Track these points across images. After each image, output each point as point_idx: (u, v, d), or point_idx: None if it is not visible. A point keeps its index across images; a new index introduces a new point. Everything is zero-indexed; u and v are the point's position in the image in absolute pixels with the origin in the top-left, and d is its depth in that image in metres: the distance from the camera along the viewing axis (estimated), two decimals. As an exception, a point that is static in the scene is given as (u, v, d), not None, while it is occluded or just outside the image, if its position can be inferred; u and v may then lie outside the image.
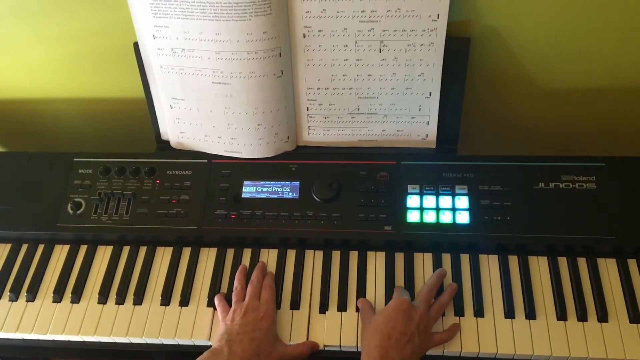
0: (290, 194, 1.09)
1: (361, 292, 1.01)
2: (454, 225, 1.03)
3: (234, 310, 0.98)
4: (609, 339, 0.94)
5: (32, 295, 1.05)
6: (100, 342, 1.02)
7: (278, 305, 1.01)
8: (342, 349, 0.97)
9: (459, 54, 1.04)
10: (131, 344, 1.01)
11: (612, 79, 1.14)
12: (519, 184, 1.05)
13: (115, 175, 1.13)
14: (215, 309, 1.01)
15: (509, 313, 0.97)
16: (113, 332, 1.00)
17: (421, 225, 1.04)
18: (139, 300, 1.03)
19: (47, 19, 1.11)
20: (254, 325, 0.94)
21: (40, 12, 1.10)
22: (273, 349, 0.94)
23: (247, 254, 1.08)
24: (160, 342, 1.00)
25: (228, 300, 1.01)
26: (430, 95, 1.08)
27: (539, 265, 1.02)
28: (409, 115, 1.11)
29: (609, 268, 1.01)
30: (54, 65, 1.21)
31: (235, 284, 1.02)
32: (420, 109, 1.10)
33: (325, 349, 0.98)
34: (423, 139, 1.14)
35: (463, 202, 1.05)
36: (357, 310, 0.99)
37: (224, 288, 1.04)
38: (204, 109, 1.11)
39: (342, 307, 1.00)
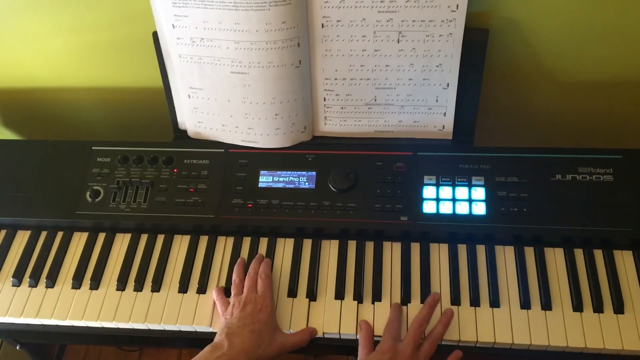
0: (306, 184, 1.09)
1: (377, 282, 1.01)
2: (470, 216, 1.03)
3: (233, 304, 0.98)
4: (624, 330, 0.94)
5: (51, 282, 1.06)
6: (118, 328, 1.03)
7: (294, 294, 1.02)
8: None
9: (477, 45, 1.03)
10: (149, 330, 1.03)
11: (630, 71, 1.13)
12: (535, 176, 1.05)
13: (133, 164, 1.14)
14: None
15: (525, 304, 0.97)
16: (131, 319, 1.01)
17: (437, 216, 1.04)
18: (157, 287, 1.04)
19: (67, 9, 1.12)
20: (253, 317, 0.95)
21: (60, 2, 1.10)
22: (273, 339, 0.95)
23: (263, 243, 1.08)
24: (178, 329, 1.02)
25: (229, 291, 1.02)
26: (448, 86, 1.08)
27: (555, 257, 1.02)
28: (426, 107, 1.11)
29: (625, 260, 1.01)
30: (73, 55, 1.22)
31: (234, 276, 1.03)
32: (437, 100, 1.10)
33: (341, 337, 0.99)
34: (440, 130, 1.14)
35: (479, 193, 1.05)
36: (373, 302, 1.00)
37: (241, 276, 1.05)
38: (222, 98, 1.12)
39: (357, 297, 1.00)
